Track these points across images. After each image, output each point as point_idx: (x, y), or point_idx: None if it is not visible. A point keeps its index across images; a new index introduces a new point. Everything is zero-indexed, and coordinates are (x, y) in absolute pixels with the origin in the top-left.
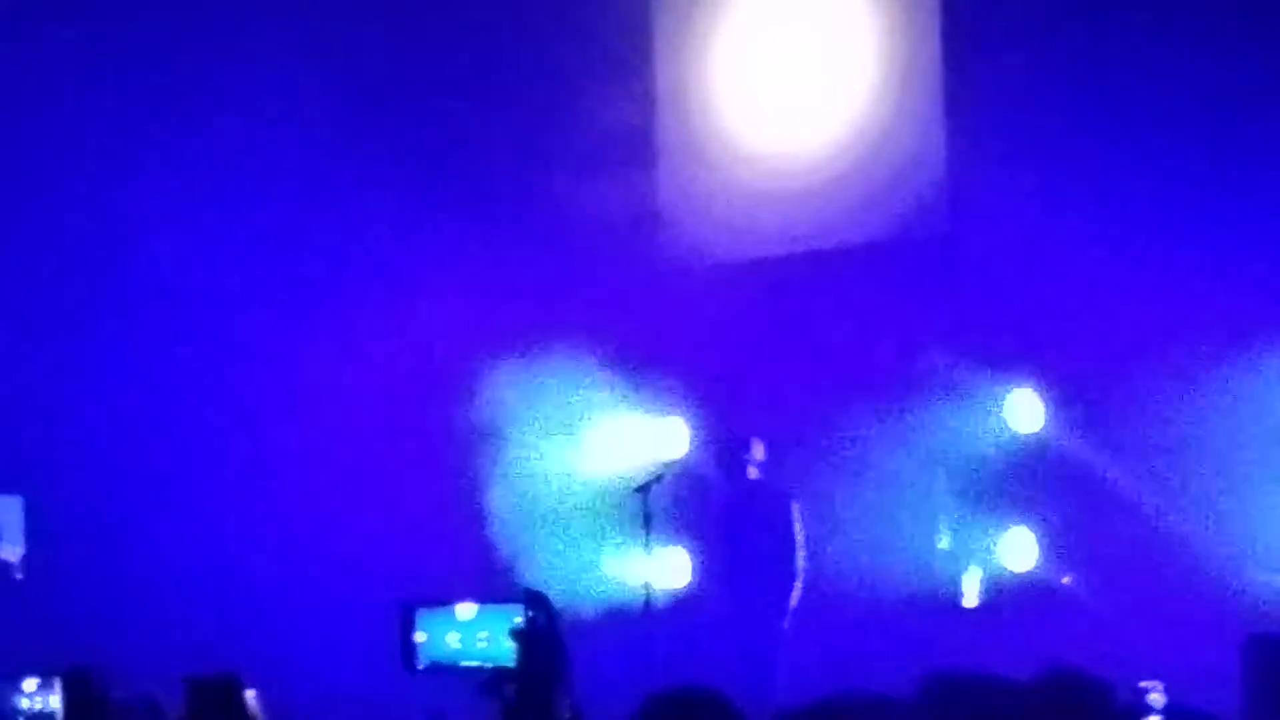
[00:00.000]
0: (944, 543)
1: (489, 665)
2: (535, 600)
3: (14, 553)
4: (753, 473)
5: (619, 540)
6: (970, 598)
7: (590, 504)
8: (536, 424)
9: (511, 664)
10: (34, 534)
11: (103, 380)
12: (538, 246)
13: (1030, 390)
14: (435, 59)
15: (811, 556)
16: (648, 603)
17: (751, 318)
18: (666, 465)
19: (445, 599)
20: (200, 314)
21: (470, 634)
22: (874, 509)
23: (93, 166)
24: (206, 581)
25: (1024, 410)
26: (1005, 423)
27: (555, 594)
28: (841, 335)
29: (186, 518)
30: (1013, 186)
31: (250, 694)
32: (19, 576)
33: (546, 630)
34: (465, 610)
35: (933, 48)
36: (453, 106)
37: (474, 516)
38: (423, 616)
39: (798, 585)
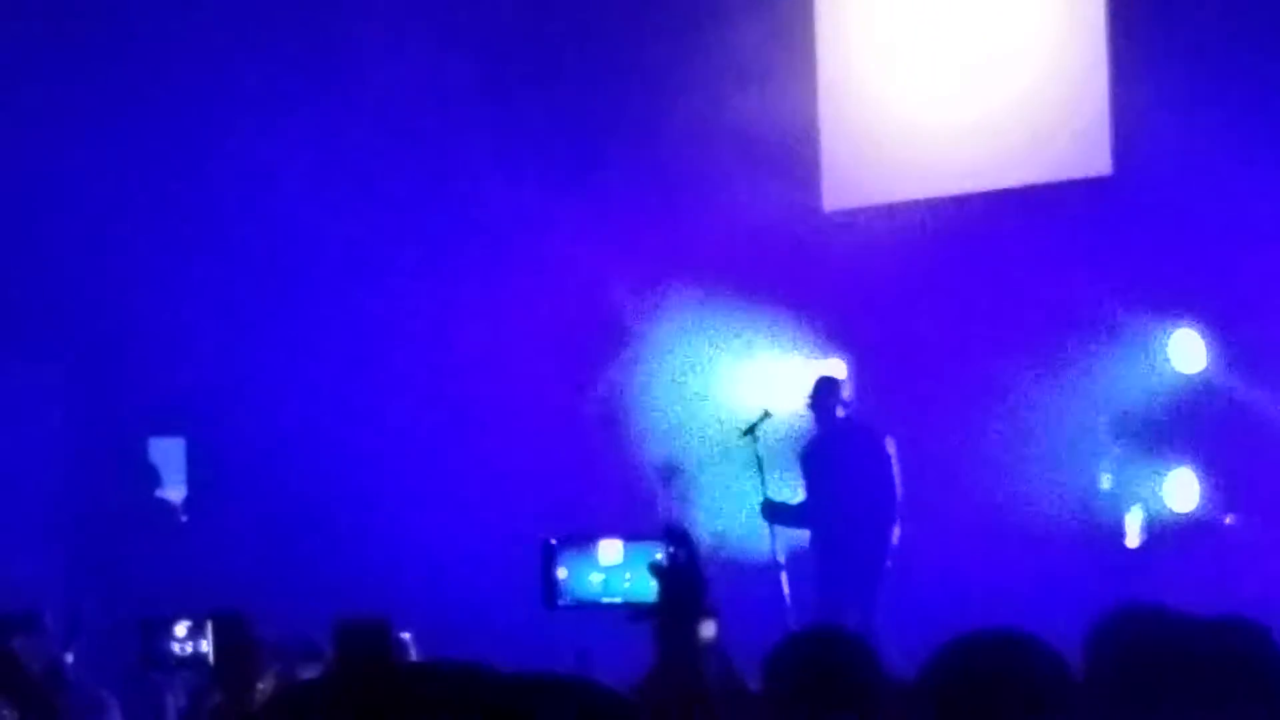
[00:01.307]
0: (1106, 484)
1: (631, 602)
2: (677, 536)
3: (177, 494)
4: (840, 412)
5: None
6: (1133, 538)
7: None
8: (690, 366)
9: (653, 600)
10: (195, 476)
11: (262, 324)
12: (693, 187)
13: (1192, 331)
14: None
15: (968, 498)
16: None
17: (911, 261)
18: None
19: (588, 536)
20: (353, 261)
21: (612, 571)
22: (1036, 452)
23: (248, 131)
24: (358, 523)
25: (1186, 351)
26: (1168, 364)
27: (702, 533)
28: (1002, 277)
29: (340, 459)
30: (1176, 125)
31: (406, 636)
32: (183, 518)
33: (688, 566)
34: (608, 547)
35: None
36: (598, 53)
37: (623, 456)
38: (564, 554)
39: (896, 524)
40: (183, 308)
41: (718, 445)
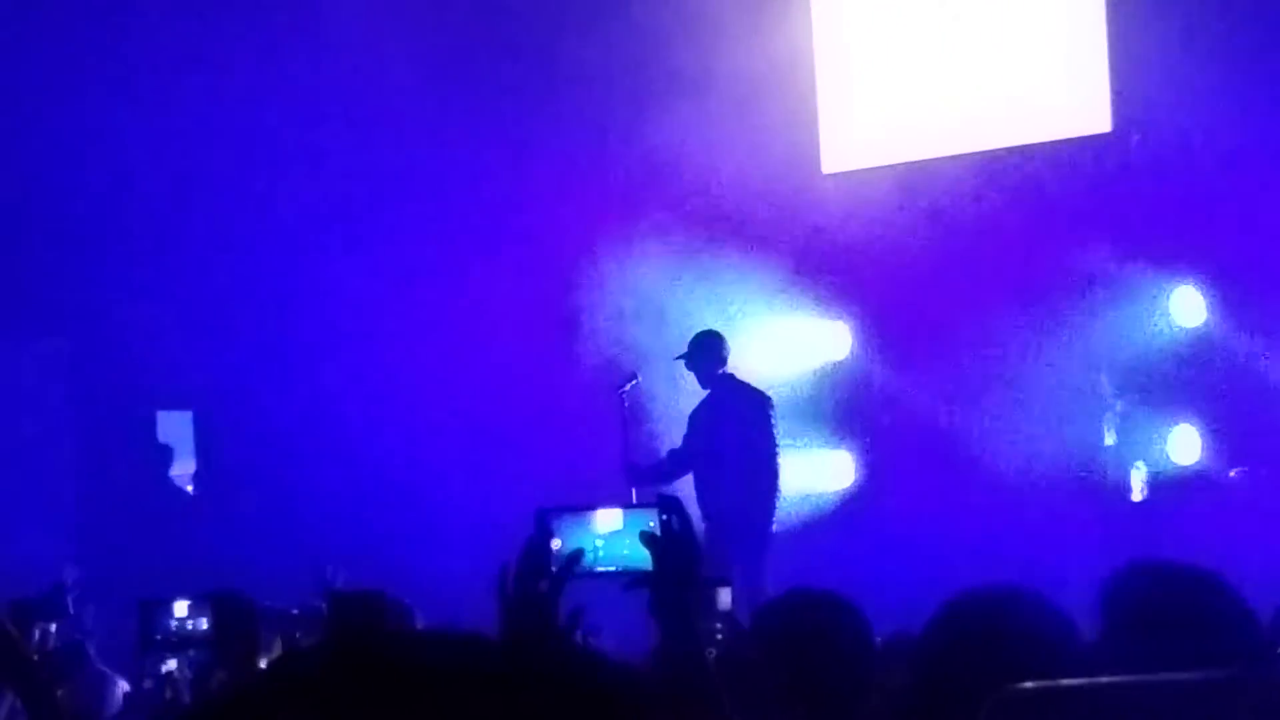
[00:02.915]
0: (1110, 439)
1: (627, 569)
2: (670, 504)
3: (185, 469)
4: (720, 370)
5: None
6: (1137, 493)
7: None
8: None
9: (647, 568)
10: (203, 450)
11: (270, 298)
12: (690, 148)
13: (1193, 287)
14: None
15: (971, 457)
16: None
17: (911, 221)
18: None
19: (586, 505)
20: (361, 239)
21: (611, 539)
22: (1039, 409)
23: (262, 109)
24: (365, 494)
25: (1187, 306)
26: (1168, 319)
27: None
28: (1002, 236)
29: (348, 432)
30: (1175, 81)
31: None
32: (189, 490)
33: (681, 534)
34: (604, 516)
35: None
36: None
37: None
38: (559, 522)
39: (778, 486)
40: (189, 281)
41: None
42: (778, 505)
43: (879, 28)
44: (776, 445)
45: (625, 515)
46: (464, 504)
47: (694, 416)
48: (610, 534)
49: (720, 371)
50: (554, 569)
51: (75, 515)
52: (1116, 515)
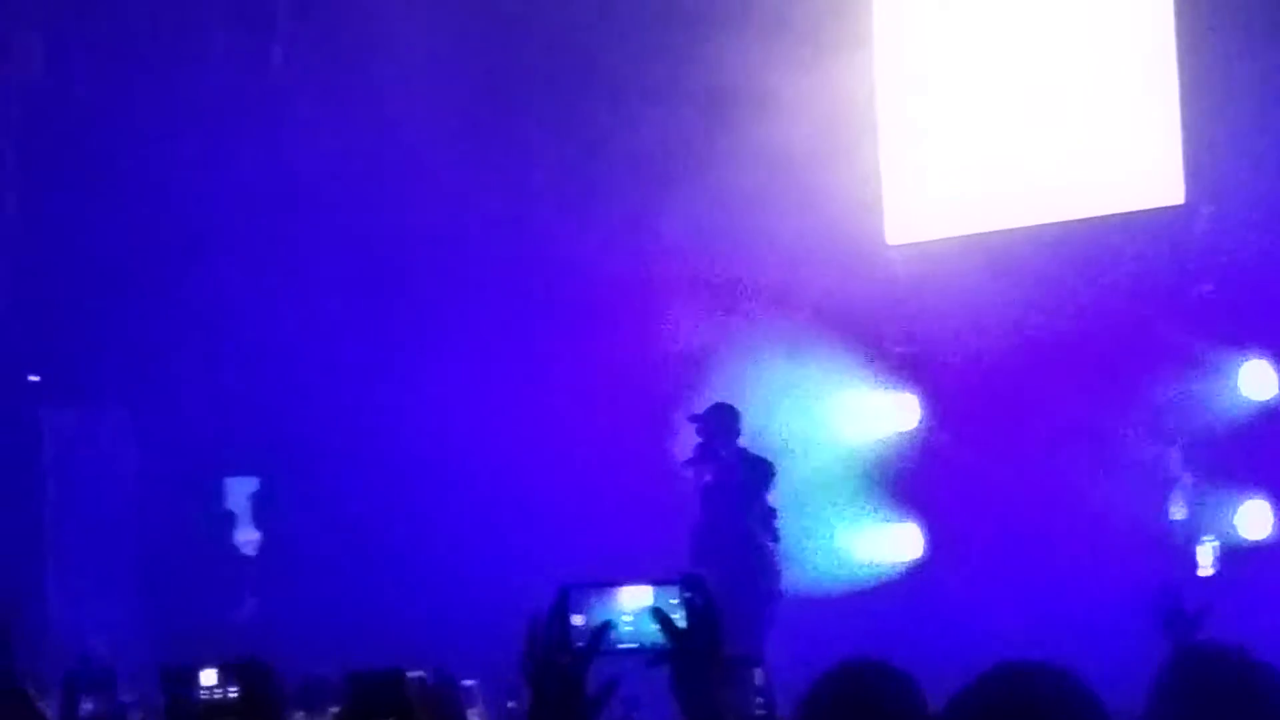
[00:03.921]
0: (1179, 513)
1: (647, 646)
2: (691, 583)
3: (250, 536)
4: (739, 442)
5: (850, 513)
6: (1205, 567)
7: (820, 477)
8: (769, 400)
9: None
10: (268, 516)
11: (338, 363)
12: (756, 221)
13: (1263, 360)
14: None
15: (1038, 529)
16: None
17: (979, 293)
18: None
19: (610, 581)
20: (427, 304)
21: (631, 616)
22: (1108, 481)
23: (327, 167)
24: (430, 565)
25: (1257, 380)
26: (1238, 392)
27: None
28: (1073, 307)
29: (411, 500)
30: (1248, 154)
31: (470, 683)
32: (252, 556)
33: (703, 612)
34: (629, 593)
35: (1167, 16)
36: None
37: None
38: (582, 599)
39: (778, 548)
40: (255, 348)
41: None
42: (778, 571)
43: (946, 97)
44: (774, 513)
45: (651, 592)
46: (529, 575)
47: (706, 488)
48: (635, 610)
49: (732, 442)
50: (578, 644)
51: (135, 583)
52: (1184, 589)
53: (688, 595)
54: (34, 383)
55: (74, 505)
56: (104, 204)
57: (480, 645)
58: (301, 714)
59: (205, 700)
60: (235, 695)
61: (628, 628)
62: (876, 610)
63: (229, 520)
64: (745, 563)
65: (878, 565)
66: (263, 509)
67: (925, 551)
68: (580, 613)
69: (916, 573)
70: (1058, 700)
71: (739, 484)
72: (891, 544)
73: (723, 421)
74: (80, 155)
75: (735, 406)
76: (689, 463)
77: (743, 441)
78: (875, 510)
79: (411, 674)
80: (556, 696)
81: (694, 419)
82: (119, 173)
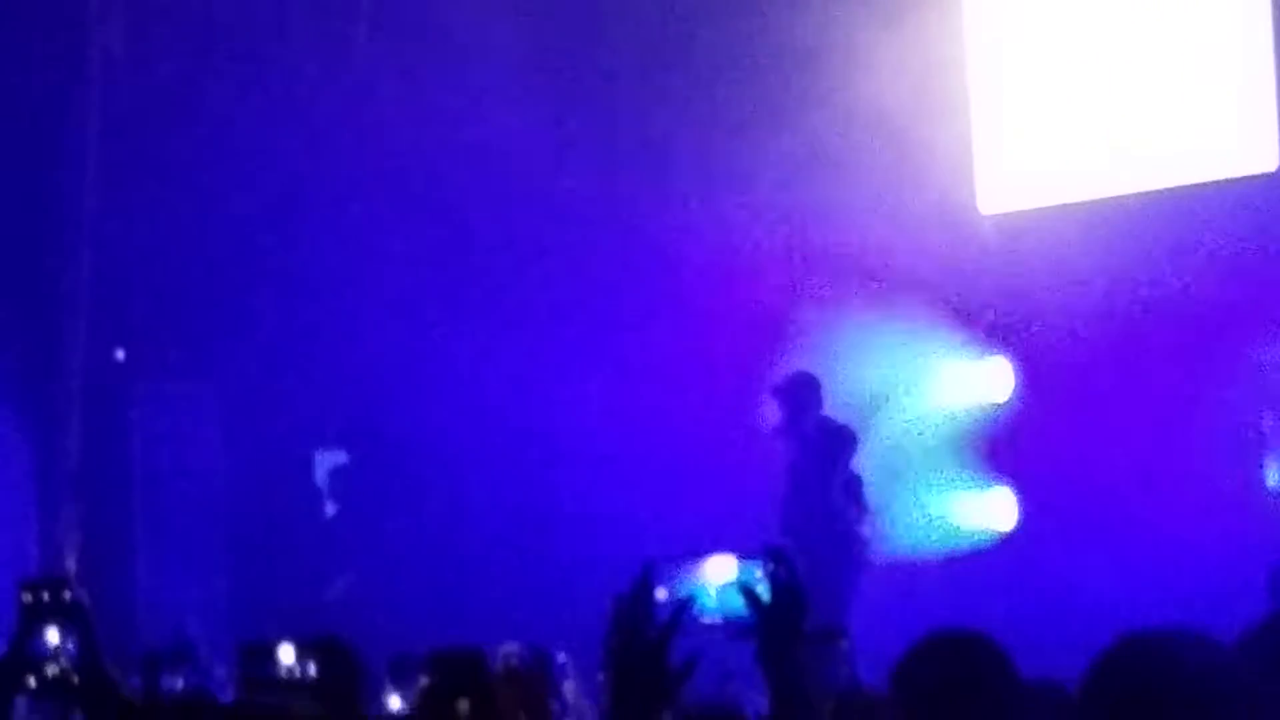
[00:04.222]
0: (1273, 481)
1: (733, 619)
2: (775, 555)
3: (340, 510)
4: (822, 411)
5: (943, 482)
6: None
7: (913, 446)
8: (860, 372)
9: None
10: (357, 490)
11: (430, 333)
12: (847, 188)
13: None
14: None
15: (1136, 495)
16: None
17: (1072, 260)
18: None
19: (694, 553)
20: (516, 279)
21: (715, 589)
22: (1204, 448)
23: (415, 143)
24: (521, 539)
25: None
26: None
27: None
28: (1167, 275)
29: (504, 475)
30: None
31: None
32: (341, 530)
33: (787, 586)
34: (714, 565)
35: None
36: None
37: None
38: (668, 571)
39: (865, 519)
40: (346, 321)
41: (891, 453)
42: (865, 542)
43: (1037, 63)
44: (862, 483)
45: (736, 565)
46: (626, 549)
47: (790, 459)
48: (720, 584)
49: (813, 412)
50: (661, 619)
51: (225, 558)
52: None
53: (771, 568)
54: (121, 360)
55: (162, 481)
56: (192, 177)
57: (573, 619)
58: (393, 690)
59: (283, 678)
60: (314, 674)
61: (712, 601)
62: (970, 580)
63: (319, 495)
64: (830, 534)
65: (971, 534)
66: (353, 483)
67: (1020, 521)
68: (665, 587)
69: (1011, 542)
70: (1204, 666)
71: (821, 454)
72: (986, 513)
73: (803, 392)
74: (169, 128)
75: (816, 376)
76: (772, 433)
77: (828, 410)
78: (969, 479)
79: (506, 648)
80: (639, 672)
81: (775, 390)
82: (208, 146)
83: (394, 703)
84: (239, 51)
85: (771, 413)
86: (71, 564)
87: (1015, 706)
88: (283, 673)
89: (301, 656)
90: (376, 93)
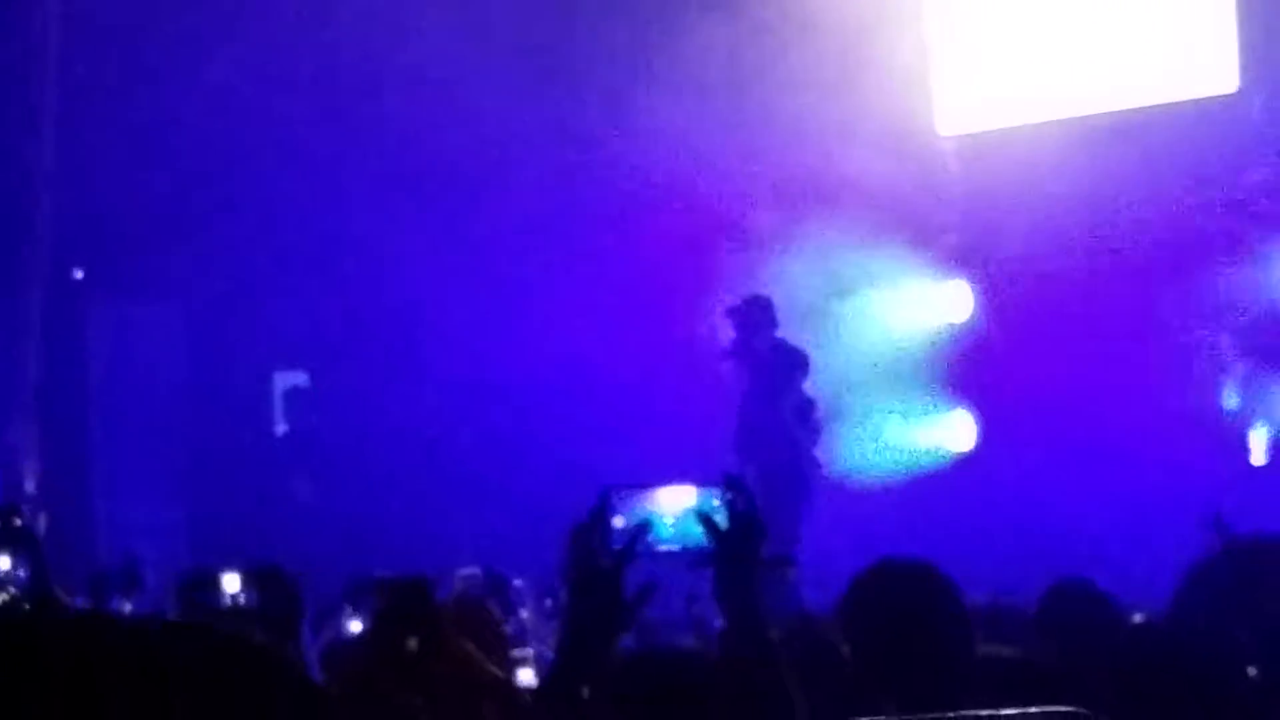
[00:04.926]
0: (1232, 400)
1: (689, 548)
2: (732, 483)
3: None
4: (776, 334)
5: (899, 404)
6: (1258, 454)
7: (869, 368)
8: (819, 295)
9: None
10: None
11: (393, 263)
12: (809, 112)
13: None
14: None
15: (1093, 415)
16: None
17: (1032, 183)
18: None
19: (652, 482)
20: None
21: (673, 517)
22: (1161, 369)
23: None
24: (473, 470)
25: None
26: None
27: (840, 460)
28: (1125, 197)
29: (462, 403)
30: None
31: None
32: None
33: (745, 515)
34: (671, 494)
35: None
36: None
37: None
38: (624, 499)
39: (818, 439)
40: (306, 245)
41: (847, 374)
42: (818, 464)
43: None
44: (815, 404)
45: (694, 493)
46: (572, 479)
47: (743, 382)
48: (677, 512)
49: (767, 334)
50: (617, 545)
51: (186, 480)
52: (1238, 478)
53: (729, 496)
54: (79, 279)
55: (120, 403)
56: (154, 100)
57: (529, 547)
58: (351, 614)
59: (225, 607)
60: (255, 603)
61: (670, 529)
62: (925, 502)
63: (278, 419)
64: (781, 457)
65: (927, 456)
66: (314, 408)
67: (976, 443)
68: (622, 514)
69: (966, 464)
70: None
71: (774, 376)
72: (941, 435)
73: (755, 313)
74: (129, 51)
75: (767, 296)
76: (724, 355)
77: (781, 333)
78: (926, 401)
79: (464, 571)
80: (595, 598)
81: (728, 312)
82: (172, 69)
83: (354, 626)
84: None
85: (725, 334)
86: (29, 486)
87: (961, 636)
88: (225, 600)
89: (246, 584)
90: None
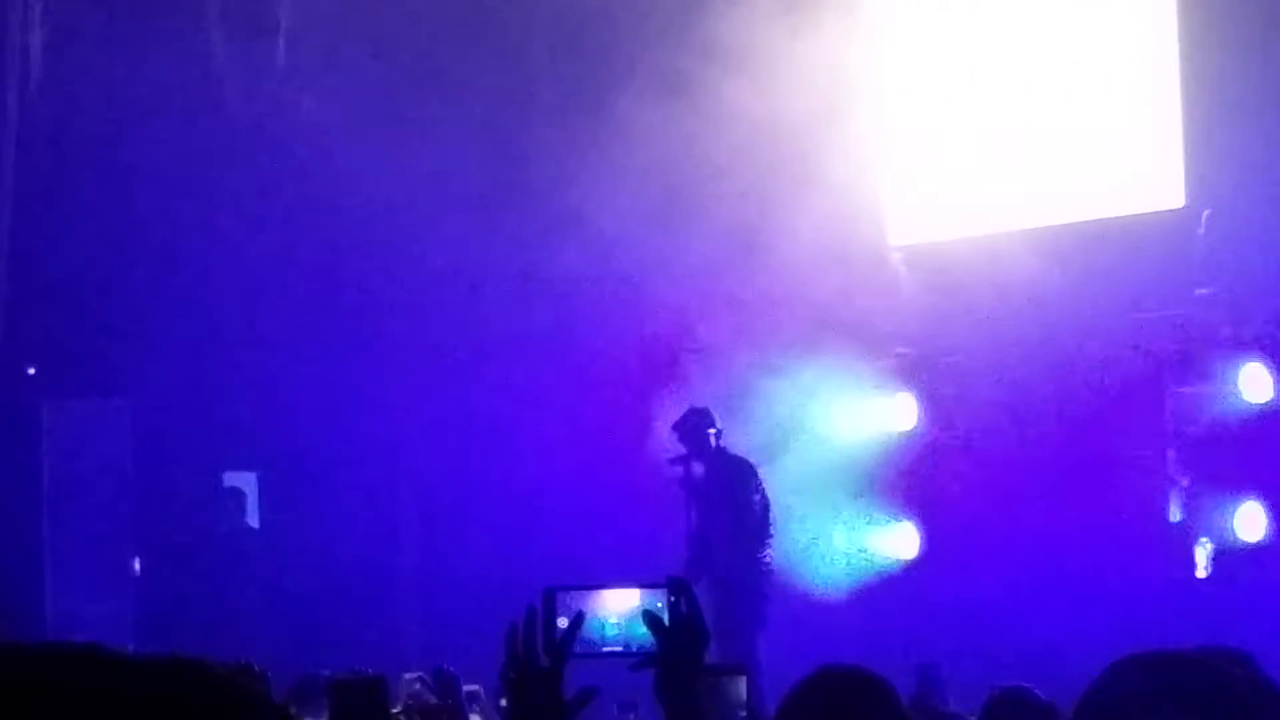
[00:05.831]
0: (1175, 515)
1: (633, 650)
2: (677, 586)
3: (247, 527)
4: (713, 441)
5: (848, 513)
6: (1202, 569)
7: (819, 476)
8: (768, 405)
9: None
10: (266, 511)
11: (335, 363)
12: (761, 225)
13: (1260, 363)
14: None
15: (1034, 531)
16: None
17: (980, 295)
18: None
19: (596, 583)
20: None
21: (617, 618)
22: (1105, 482)
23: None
24: (412, 572)
25: (1255, 382)
26: (1237, 395)
27: (789, 567)
28: (1073, 310)
29: (407, 502)
30: (1250, 157)
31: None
32: (247, 550)
33: (689, 617)
34: (615, 595)
35: (1170, 19)
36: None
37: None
38: (569, 600)
39: (769, 547)
40: (255, 346)
41: (790, 477)
42: (770, 571)
43: (946, 100)
44: (766, 511)
45: (637, 594)
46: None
47: (690, 491)
48: (622, 613)
49: (711, 444)
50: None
51: (134, 576)
52: (1180, 591)
53: (673, 599)
54: (32, 375)
55: (71, 497)
56: (103, 198)
57: (480, 647)
58: (296, 711)
59: None
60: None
61: (614, 630)
62: (874, 610)
63: (226, 515)
64: (731, 566)
65: (876, 564)
66: (257, 505)
67: (922, 551)
68: (565, 615)
69: (913, 572)
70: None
71: (720, 486)
72: (889, 543)
73: (697, 425)
74: (80, 150)
75: (708, 409)
76: (672, 463)
77: (727, 443)
78: (873, 510)
79: (409, 675)
80: (533, 699)
81: (673, 426)
82: (119, 168)
83: None
84: (152, 73)
85: (672, 446)
86: None
87: None
88: None
89: None
90: (287, 119)
